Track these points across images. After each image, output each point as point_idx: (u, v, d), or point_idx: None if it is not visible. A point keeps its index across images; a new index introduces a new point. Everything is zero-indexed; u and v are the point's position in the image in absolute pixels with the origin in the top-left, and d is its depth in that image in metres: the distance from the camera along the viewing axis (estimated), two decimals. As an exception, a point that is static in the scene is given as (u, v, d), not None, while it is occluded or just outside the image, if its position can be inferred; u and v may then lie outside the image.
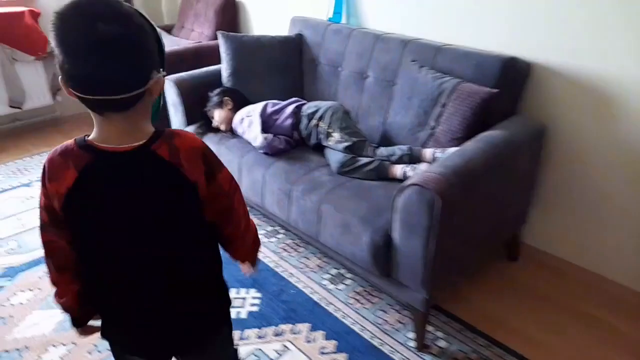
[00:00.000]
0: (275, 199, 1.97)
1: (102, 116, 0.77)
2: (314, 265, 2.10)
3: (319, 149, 2.08)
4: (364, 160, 1.89)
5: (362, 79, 2.28)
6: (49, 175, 0.82)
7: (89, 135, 0.81)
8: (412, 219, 1.47)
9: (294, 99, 2.24)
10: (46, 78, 3.32)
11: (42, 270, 2.04)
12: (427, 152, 1.84)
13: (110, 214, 0.82)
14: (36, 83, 3.29)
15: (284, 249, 2.20)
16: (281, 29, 2.84)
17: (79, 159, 0.79)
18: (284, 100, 2.33)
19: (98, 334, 0.99)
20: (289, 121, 2.11)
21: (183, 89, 2.38)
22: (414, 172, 1.79)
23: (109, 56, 0.70)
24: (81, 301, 0.95)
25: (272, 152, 2.06)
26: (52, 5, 3.38)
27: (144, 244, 0.85)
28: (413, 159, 1.86)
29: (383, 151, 1.92)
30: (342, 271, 2.05)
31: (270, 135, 2.06)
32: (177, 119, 2.46)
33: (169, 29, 3.47)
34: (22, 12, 3.09)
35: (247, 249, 1.06)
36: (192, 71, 2.51)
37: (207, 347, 1.00)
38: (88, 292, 0.94)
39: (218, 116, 2.28)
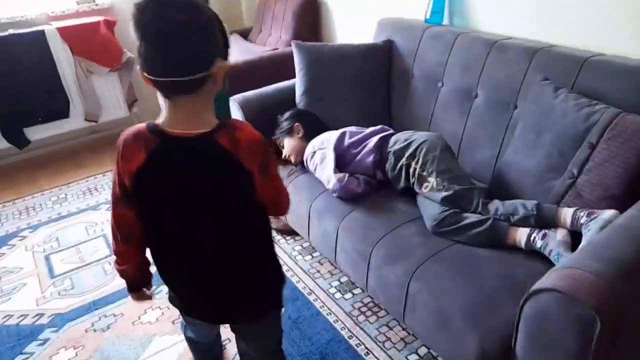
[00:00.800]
0: (349, 260, 1.55)
1: (170, 100, 0.85)
2: (398, 338, 1.65)
3: (410, 193, 1.61)
4: (471, 218, 1.39)
5: (468, 99, 1.76)
6: (123, 155, 0.90)
7: (158, 121, 0.88)
8: (550, 339, 0.97)
9: (378, 127, 1.79)
10: (121, 89, 3.19)
11: (90, 321, 1.83)
12: (566, 214, 1.29)
13: (173, 193, 0.91)
14: (111, 95, 3.17)
15: (361, 311, 1.77)
16: (370, 32, 2.38)
17: (149, 142, 0.88)
18: (367, 125, 1.89)
19: (150, 301, 1.36)
20: (371, 158, 1.66)
21: (249, 111, 2.03)
22: (546, 244, 1.26)
23: (177, 39, 0.78)
24: (139, 271, 1.09)
25: (347, 197, 1.63)
26: (127, 12, 3.24)
27: (201, 224, 0.94)
28: (543, 220, 1.32)
29: (499, 206, 1.40)
30: (435, 353, 1.58)
31: (345, 176, 1.63)
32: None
33: (245, 33, 3.17)
34: (98, 23, 2.96)
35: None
36: (262, 89, 2.15)
37: (256, 322, 1.11)
38: (155, 263, 1.04)
39: (288, 146, 1.90)
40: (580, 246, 1.17)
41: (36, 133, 3.00)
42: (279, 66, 2.59)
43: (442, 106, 1.86)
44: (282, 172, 1.90)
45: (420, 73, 1.97)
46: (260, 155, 0.90)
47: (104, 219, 2.50)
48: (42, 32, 2.82)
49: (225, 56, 0.87)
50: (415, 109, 1.97)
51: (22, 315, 1.89)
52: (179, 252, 0.99)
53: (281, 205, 1.06)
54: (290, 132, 1.91)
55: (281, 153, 1.94)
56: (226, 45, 0.88)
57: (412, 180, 1.56)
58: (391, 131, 1.75)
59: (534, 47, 1.59)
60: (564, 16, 1.60)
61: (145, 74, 0.82)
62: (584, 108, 1.34)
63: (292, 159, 1.89)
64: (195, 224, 0.94)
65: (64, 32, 2.86)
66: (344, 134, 1.75)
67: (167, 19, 0.78)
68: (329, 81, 2.05)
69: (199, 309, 1.10)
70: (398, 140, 1.63)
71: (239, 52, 2.89)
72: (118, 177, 0.94)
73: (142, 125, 0.90)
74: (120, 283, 1.90)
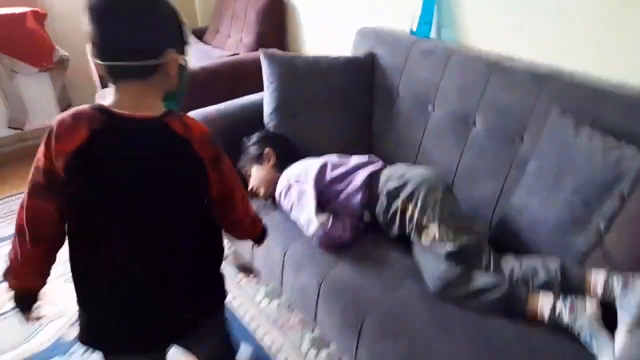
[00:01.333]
0: (334, 326, 1.29)
1: (118, 85, 0.83)
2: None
3: (403, 238, 1.37)
4: (483, 280, 1.16)
5: (465, 127, 1.55)
6: (57, 135, 0.82)
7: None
8: None
9: (364, 157, 1.53)
10: (53, 93, 2.76)
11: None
12: (596, 281, 1.10)
13: (119, 175, 0.84)
14: (41, 99, 2.72)
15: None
16: (345, 41, 2.12)
17: (93, 121, 0.82)
18: (345, 150, 1.64)
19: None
20: (359, 197, 1.41)
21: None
22: (575, 321, 1.06)
23: (126, 20, 0.79)
24: (41, 281, 0.95)
25: (330, 245, 1.37)
26: (60, 5, 2.80)
27: (148, 211, 0.87)
28: (568, 286, 1.12)
29: (514, 266, 1.19)
30: None
31: (329, 219, 1.37)
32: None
33: (200, 34, 2.82)
34: (24, 14, 2.51)
35: (248, 230, 1.13)
36: (224, 105, 1.85)
37: (201, 330, 1.02)
38: (77, 272, 0.91)
39: (256, 175, 1.61)
40: (620, 345, 0.98)
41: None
42: (242, 75, 2.28)
43: (434, 133, 1.64)
44: (249, 207, 1.61)
45: (407, 93, 1.73)
46: (211, 147, 0.89)
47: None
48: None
49: (180, 50, 0.86)
50: (400, 133, 1.74)
51: None
52: (116, 249, 0.87)
53: (235, 204, 0.99)
54: (259, 159, 1.62)
55: (247, 184, 1.64)
56: (183, 41, 0.88)
57: (408, 228, 1.32)
58: (380, 164, 1.50)
59: (543, 72, 1.39)
60: (577, 36, 1.41)
61: (94, 59, 0.81)
62: (613, 151, 1.15)
63: (261, 192, 1.60)
64: (139, 212, 0.86)
65: (-20, 23, 2.40)
66: (325, 165, 1.48)
67: (121, 1, 0.79)
68: (303, 98, 1.77)
69: (133, 329, 0.93)
70: (391, 177, 1.39)
71: (193, 55, 2.54)
72: (45, 163, 0.83)
73: (82, 106, 0.84)
74: (51, 337, 1.56)
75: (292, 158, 1.61)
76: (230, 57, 2.38)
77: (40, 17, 2.58)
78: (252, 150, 1.64)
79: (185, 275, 0.94)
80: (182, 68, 0.87)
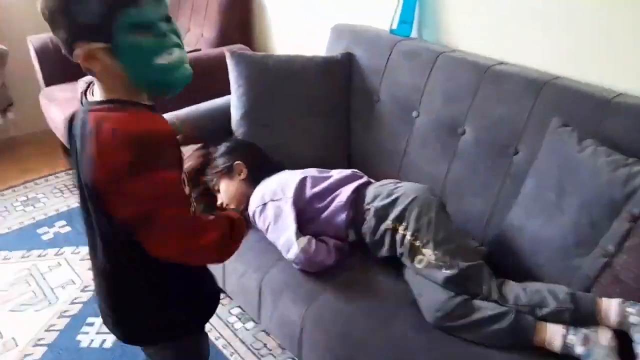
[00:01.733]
0: (322, 362, 1.15)
1: None
2: None
3: (392, 258, 1.25)
4: (486, 309, 1.06)
5: (453, 136, 1.44)
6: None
7: None
8: None
9: (348, 171, 1.39)
10: (-11, 91, 2.46)
11: None
12: (608, 309, 1.01)
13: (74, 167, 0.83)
14: (-25, 98, 2.42)
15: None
16: (317, 37, 1.97)
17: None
18: (323, 160, 1.50)
19: None
20: (344, 216, 1.27)
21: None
22: (589, 353, 0.97)
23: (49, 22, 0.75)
24: None
25: (313, 269, 1.23)
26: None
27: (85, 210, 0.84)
28: (579, 313, 1.03)
29: (519, 293, 1.08)
30: None
31: (311, 242, 1.22)
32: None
33: (157, 27, 2.58)
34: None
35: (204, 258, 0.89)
36: (186, 110, 1.66)
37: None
38: None
39: (226, 191, 1.44)
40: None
41: None
42: (204, 74, 2.06)
43: (418, 141, 1.52)
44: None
45: (388, 97, 1.60)
46: (131, 154, 0.72)
47: None
48: None
49: (100, 38, 0.73)
50: (382, 141, 1.61)
51: None
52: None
53: (163, 237, 0.77)
54: (229, 172, 1.45)
55: (215, 200, 1.47)
56: (105, 27, 0.72)
57: (399, 250, 1.19)
58: (365, 179, 1.36)
59: (539, 78, 1.30)
60: (572, 42, 1.33)
61: None
62: (620, 168, 1.06)
63: (232, 207, 1.44)
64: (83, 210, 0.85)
65: None
66: (304, 180, 1.34)
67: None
68: (275, 102, 1.61)
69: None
70: (379, 194, 1.26)
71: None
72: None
73: None
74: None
75: (265, 171, 1.45)
76: (191, 54, 2.16)
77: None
78: (220, 162, 1.47)
79: (105, 291, 0.90)
80: (127, 52, 0.74)
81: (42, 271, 1.84)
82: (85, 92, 0.83)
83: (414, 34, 1.70)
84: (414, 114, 1.53)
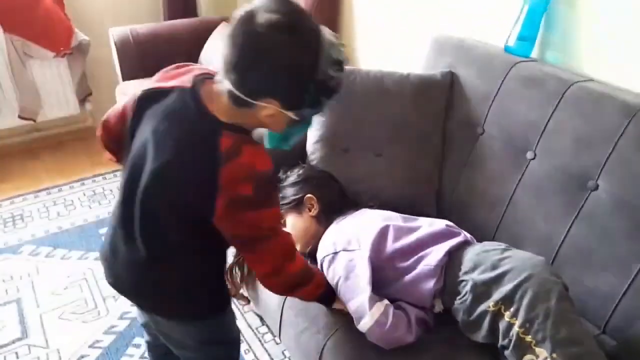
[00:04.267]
0: None
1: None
2: None
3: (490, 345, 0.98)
4: None
5: (580, 190, 1.13)
6: None
7: None
8: None
9: (439, 225, 1.12)
10: (71, 81, 2.45)
11: None
12: None
13: None
14: (57, 87, 2.41)
15: None
16: (413, 48, 1.72)
17: None
18: (411, 199, 1.25)
19: None
20: (432, 284, 1.02)
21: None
22: None
23: (245, 58, 0.76)
24: None
25: (389, 346, 0.99)
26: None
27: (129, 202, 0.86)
28: None
29: None
30: None
31: (389, 311, 0.99)
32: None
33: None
34: (41, -10, 2.20)
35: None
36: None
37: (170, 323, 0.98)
38: None
39: (292, 226, 1.24)
40: None
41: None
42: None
43: (531, 190, 1.23)
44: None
45: (497, 130, 1.32)
46: (249, 186, 0.80)
47: (24, 269, 1.80)
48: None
49: (288, 105, 0.79)
50: (482, 182, 1.33)
51: None
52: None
53: (255, 264, 0.92)
54: (298, 206, 1.25)
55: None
56: (297, 97, 0.79)
57: (502, 341, 0.92)
58: (462, 237, 1.10)
59: None
60: None
61: None
62: None
63: (297, 248, 1.22)
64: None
65: (-9, 0, 2.10)
66: (385, 231, 1.10)
67: None
68: (359, 126, 1.38)
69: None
70: (480, 263, 0.99)
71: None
72: None
73: None
74: None
75: (340, 209, 1.23)
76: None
77: (59, -4, 2.26)
78: (289, 192, 1.27)
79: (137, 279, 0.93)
80: (291, 121, 0.80)
81: (97, 277, 1.76)
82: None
83: (534, 53, 1.39)
84: (529, 155, 1.24)
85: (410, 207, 1.32)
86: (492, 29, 1.48)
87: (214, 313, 0.99)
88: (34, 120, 2.41)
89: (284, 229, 0.97)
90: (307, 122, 0.86)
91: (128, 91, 2.16)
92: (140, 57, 2.21)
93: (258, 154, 0.79)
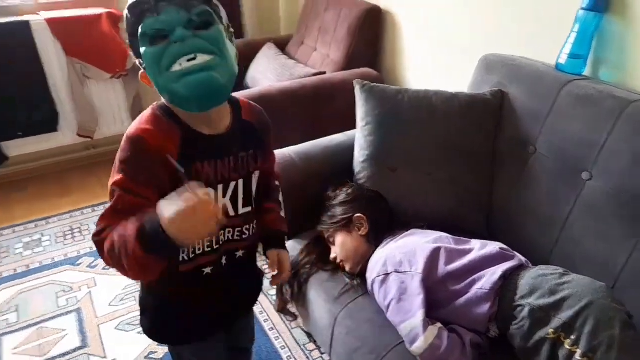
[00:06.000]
0: None
1: None
2: None
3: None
4: None
5: (642, 212, 1.10)
6: None
7: None
8: None
9: (493, 247, 1.12)
10: (126, 101, 2.58)
11: None
12: None
13: None
14: (112, 106, 2.56)
15: None
16: (459, 68, 1.72)
17: None
18: (459, 220, 1.24)
19: None
20: (486, 307, 1.01)
21: (284, 172, 1.39)
22: None
23: None
24: None
25: (441, 370, 0.99)
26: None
27: None
28: None
29: None
30: None
31: (442, 335, 0.99)
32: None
33: (282, 44, 2.51)
34: (99, 16, 2.34)
35: None
36: (303, 146, 1.51)
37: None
38: None
39: (342, 245, 1.26)
40: None
41: (16, 148, 2.42)
42: (326, 99, 1.95)
43: (588, 212, 1.20)
44: (325, 280, 1.26)
45: (550, 150, 1.30)
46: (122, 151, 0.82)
47: (83, 281, 1.90)
48: (27, 24, 2.21)
49: (136, 54, 0.82)
50: (535, 203, 1.31)
51: None
52: None
53: None
54: (347, 225, 1.27)
55: (328, 251, 1.30)
56: (132, 41, 0.81)
57: (564, 369, 0.91)
58: (517, 260, 1.08)
59: None
60: None
61: None
62: None
63: (347, 267, 1.25)
64: None
65: (55, 25, 2.26)
66: (437, 253, 1.10)
67: None
68: (407, 145, 1.39)
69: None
70: (537, 287, 0.98)
71: (272, 69, 2.24)
72: None
73: None
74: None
75: (389, 229, 1.24)
76: (314, 77, 2.04)
77: (115, 20, 2.40)
78: (339, 212, 1.29)
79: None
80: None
81: (150, 290, 1.84)
82: None
83: (586, 71, 1.37)
84: (585, 175, 1.21)
85: (459, 227, 1.31)
86: (541, 47, 1.46)
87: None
88: (91, 138, 2.55)
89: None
90: (148, 63, 0.78)
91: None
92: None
93: (140, 119, 0.84)
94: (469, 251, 1.11)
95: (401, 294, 1.05)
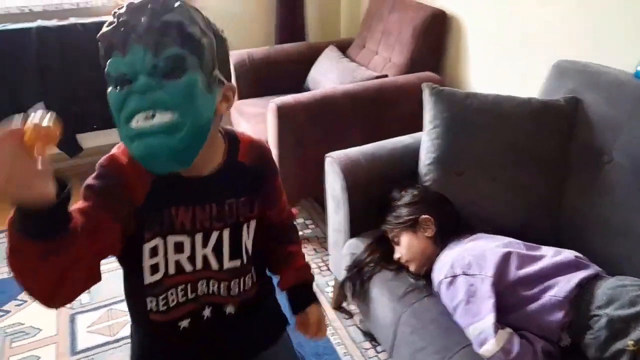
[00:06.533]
0: None
1: None
2: None
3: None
4: None
5: None
6: None
7: None
8: None
9: (567, 255, 1.10)
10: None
11: None
12: None
13: None
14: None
15: None
16: (529, 73, 1.70)
17: None
18: (526, 228, 1.23)
19: None
20: (559, 315, 1.00)
21: (352, 176, 1.43)
22: None
23: None
24: None
25: (511, 375, 0.99)
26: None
27: None
28: None
29: None
30: None
31: (513, 339, 0.98)
32: (337, 219, 1.52)
33: (343, 47, 2.55)
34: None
35: None
36: (370, 147, 1.53)
37: None
38: None
39: (407, 246, 1.28)
40: None
41: (90, 140, 2.58)
42: (388, 103, 1.96)
43: (668, 224, 1.16)
44: (388, 279, 1.27)
45: (626, 159, 1.26)
46: None
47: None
48: (96, 25, 2.35)
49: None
50: (608, 214, 1.28)
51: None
52: None
53: None
54: (413, 226, 1.28)
55: (391, 250, 1.32)
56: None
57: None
58: (592, 269, 1.07)
59: None
60: None
61: None
62: None
63: (412, 268, 1.27)
64: None
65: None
66: (508, 257, 1.10)
67: None
68: (476, 149, 1.39)
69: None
70: (616, 298, 0.96)
71: (334, 71, 2.28)
72: None
73: None
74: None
75: (456, 232, 1.25)
76: (377, 80, 2.07)
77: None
78: (404, 212, 1.30)
79: None
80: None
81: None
82: None
83: (669, 80, 1.32)
84: (665, 186, 1.17)
85: (526, 233, 1.29)
86: (617, 54, 1.43)
87: None
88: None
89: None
90: (112, 107, 0.69)
91: (244, 109, 2.34)
92: (256, 78, 2.39)
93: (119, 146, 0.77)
94: (541, 257, 1.10)
95: (470, 297, 1.06)
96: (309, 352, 1.57)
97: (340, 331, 1.66)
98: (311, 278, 1.02)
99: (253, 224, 0.85)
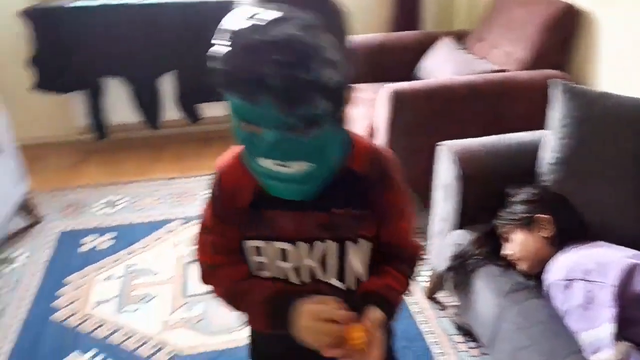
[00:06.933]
0: None
1: None
2: None
3: None
4: None
5: None
6: None
7: None
8: None
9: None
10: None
11: None
12: None
13: None
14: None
15: None
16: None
17: None
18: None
19: None
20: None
21: (466, 162, 1.42)
22: None
23: None
24: None
25: (627, 389, 0.95)
26: None
27: None
28: None
29: None
30: None
31: (631, 353, 0.94)
32: (445, 208, 1.52)
33: (459, 38, 2.49)
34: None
35: None
36: (491, 139, 1.51)
37: None
38: None
39: (520, 243, 1.26)
40: None
41: (211, 109, 2.80)
42: (509, 98, 1.91)
43: None
44: (503, 283, 1.26)
45: None
46: None
47: None
48: (231, 4, 2.51)
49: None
50: None
51: (142, 341, 1.62)
52: None
53: None
54: (528, 225, 1.25)
55: (499, 247, 1.30)
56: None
57: None
58: None
59: None
60: None
61: None
62: None
63: (524, 266, 1.25)
64: None
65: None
66: (634, 269, 1.04)
67: None
68: (604, 153, 1.32)
69: None
70: None
71: (450, 62, 2.25)
72: None
73: None
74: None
75: (575, 237, 1.20)
76: (499, 74, 2.01)
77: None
78: (519, 209, 1.28)
79: None
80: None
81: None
82: None
83: None
84: None
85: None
86: None
87: None
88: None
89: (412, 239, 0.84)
90: (235, 131, 0.67)
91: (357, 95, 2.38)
92: (369, 63, 2.42)
93: (226, 153, 0.81)
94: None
95: (587, 302, 1.02)
96: (399, 336, 1.60)
97: (431, 320, 1.68)
98: (395, 301, 0.79)
99: (364, 244, 0.77)
